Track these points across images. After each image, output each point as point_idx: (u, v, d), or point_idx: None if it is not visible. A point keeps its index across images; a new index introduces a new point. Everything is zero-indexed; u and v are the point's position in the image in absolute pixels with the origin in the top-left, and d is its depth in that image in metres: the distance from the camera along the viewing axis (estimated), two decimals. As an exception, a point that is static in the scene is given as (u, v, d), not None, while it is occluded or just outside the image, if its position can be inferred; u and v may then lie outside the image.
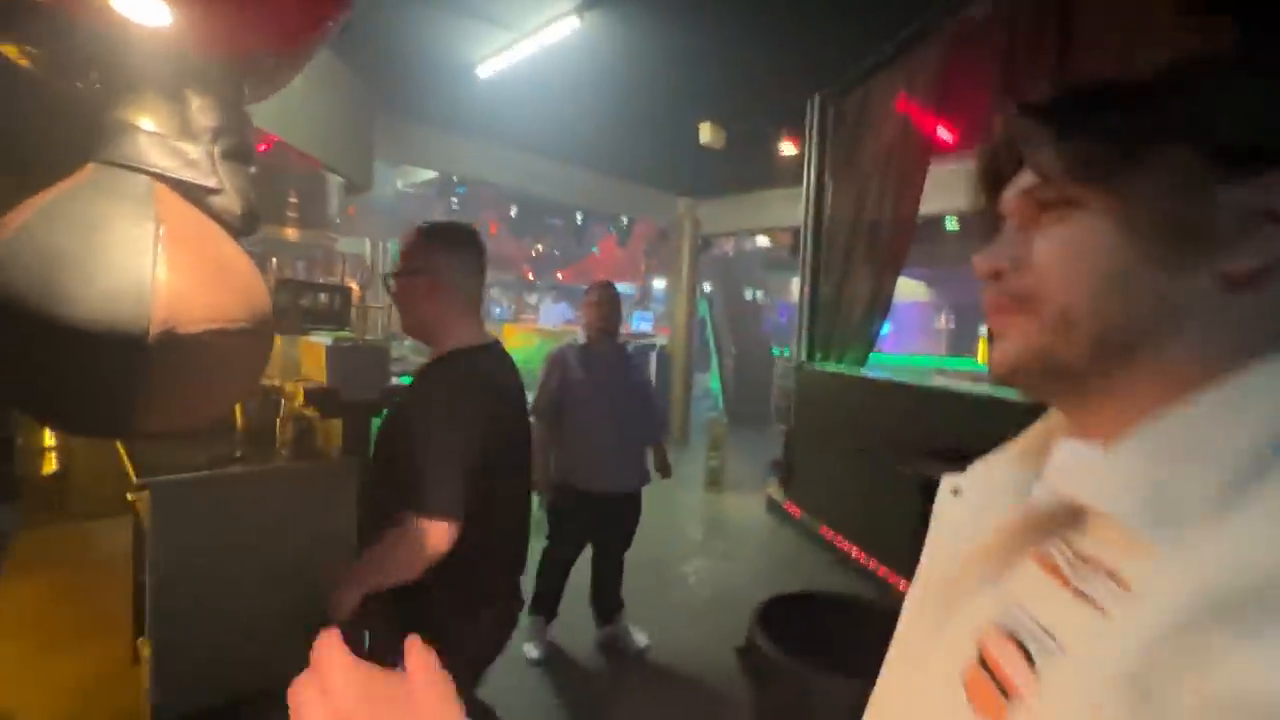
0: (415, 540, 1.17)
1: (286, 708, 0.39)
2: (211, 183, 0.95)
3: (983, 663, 0.37)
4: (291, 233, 3.92)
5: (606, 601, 3.04)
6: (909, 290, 13.31)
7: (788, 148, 5.29)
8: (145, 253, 0.86)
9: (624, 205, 8.39)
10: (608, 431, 2.80)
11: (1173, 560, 0.31)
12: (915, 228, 4.11)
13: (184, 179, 0.93)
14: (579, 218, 9.43)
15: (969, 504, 0.48)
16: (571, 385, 2.79)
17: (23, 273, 0.80)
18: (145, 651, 2.27)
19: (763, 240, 10.71)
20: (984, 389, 3.32)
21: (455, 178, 8.74)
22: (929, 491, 0.53)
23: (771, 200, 7.19)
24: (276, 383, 3.40)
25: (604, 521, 2.92)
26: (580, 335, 2.89)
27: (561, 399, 2.78)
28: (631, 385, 2.94)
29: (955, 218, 6.24)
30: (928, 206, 3.99)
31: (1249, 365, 0.34)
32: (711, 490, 5.82)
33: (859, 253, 4.40)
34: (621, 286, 3.22)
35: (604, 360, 2.83)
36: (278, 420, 2.94)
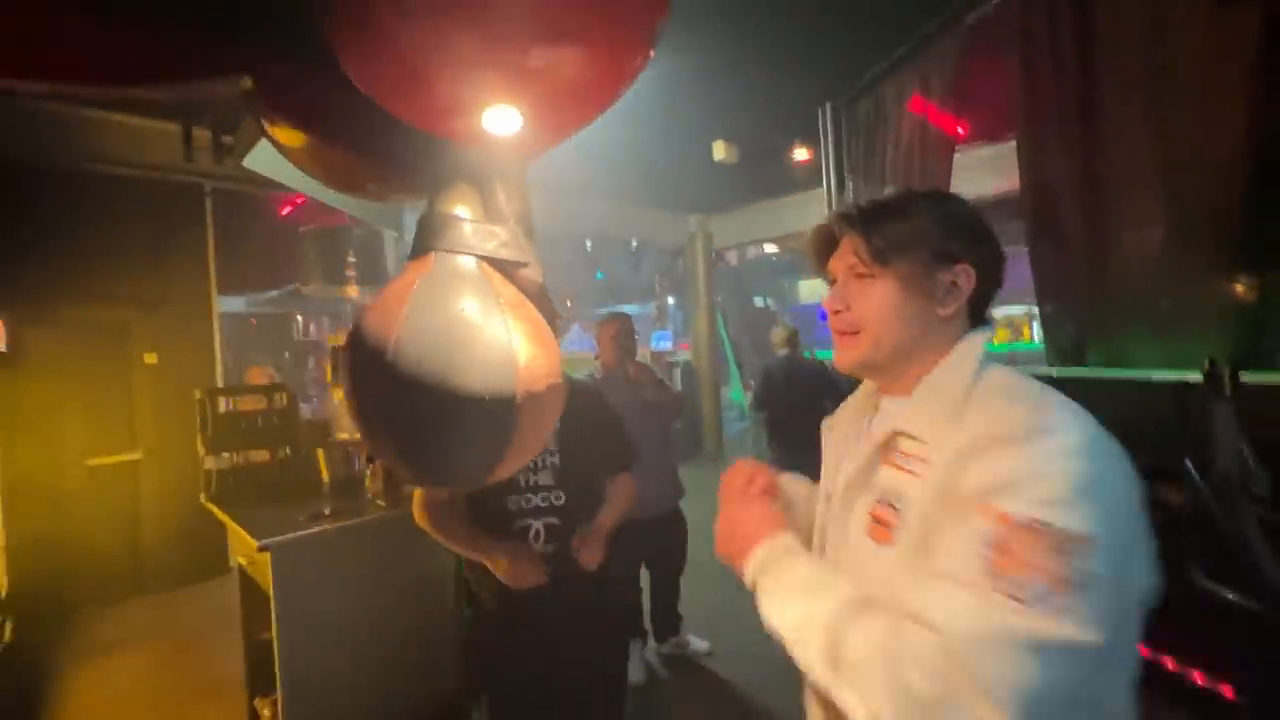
0: (632, 486, 1.84)
1: None
2: (523, 258, 1.09)
3: (875, 519, 0.74)
4: (354, 290, 4.10)
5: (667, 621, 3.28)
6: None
7: (801, 153, 5.50)
8: (501, 325, 1.00)
9: (635, 229, 8.55)
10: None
11: (940, 445, 0.68)
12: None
13: (504, 258, 1.07)
14: (588, 245, 9.59)
15: (838, 436, 0.90)
16: None
17: (427, 352, 0.94)
18: (265, 711, 2.35)
19: (770, 247, 10.92)
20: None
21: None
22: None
23: (785, 207, 7.39)
24: (353, 437, 3.47)
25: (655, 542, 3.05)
26: (596, 368, 3.04)
27: None
28: (654, 407, 3.03)
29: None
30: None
31: (950, 350, 0.75)
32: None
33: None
34: (633, 308, 3.28)
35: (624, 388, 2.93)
36: (367, 473, 3.03)
